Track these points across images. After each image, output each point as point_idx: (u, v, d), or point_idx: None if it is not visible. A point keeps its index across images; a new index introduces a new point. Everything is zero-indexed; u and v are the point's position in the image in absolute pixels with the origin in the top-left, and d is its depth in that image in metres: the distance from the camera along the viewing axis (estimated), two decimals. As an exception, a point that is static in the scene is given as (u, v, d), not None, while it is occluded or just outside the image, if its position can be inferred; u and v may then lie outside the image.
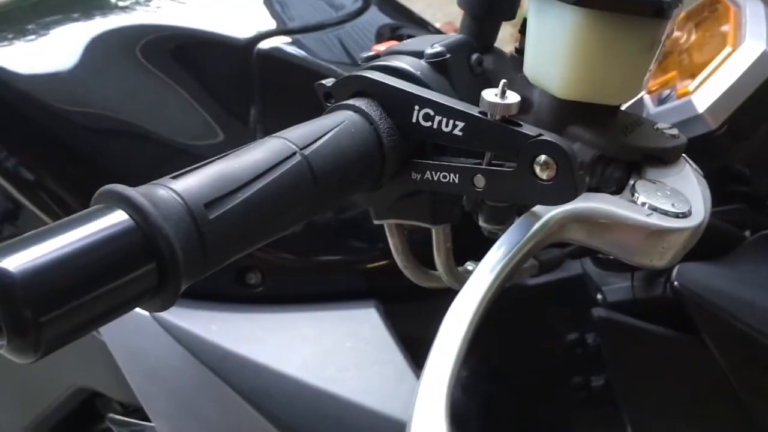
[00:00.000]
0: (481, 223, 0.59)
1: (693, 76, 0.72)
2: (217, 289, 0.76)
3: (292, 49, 0.83)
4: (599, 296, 0.70)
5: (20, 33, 0.80)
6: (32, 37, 0.80)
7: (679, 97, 0.69)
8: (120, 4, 0.85)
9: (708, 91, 0.66)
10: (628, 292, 0.68)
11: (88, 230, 0.32)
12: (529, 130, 0.41)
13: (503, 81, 0.41)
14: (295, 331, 0.73)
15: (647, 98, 0.76)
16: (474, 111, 0.42)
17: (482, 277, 0.40)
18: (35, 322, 0.28)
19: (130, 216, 0.33)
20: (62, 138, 0.78)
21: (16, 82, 0.76)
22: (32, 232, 0.31)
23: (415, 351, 0.76)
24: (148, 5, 0.86)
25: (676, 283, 0.63)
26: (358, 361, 0.70)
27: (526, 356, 0.88)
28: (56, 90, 0.78)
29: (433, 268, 0.58)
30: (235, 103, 0.79)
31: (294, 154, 0.40)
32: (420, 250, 0.60)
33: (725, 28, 0.76)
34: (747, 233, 0.73)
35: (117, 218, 0.33)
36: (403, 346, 0.73)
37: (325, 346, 0.72)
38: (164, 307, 0.35)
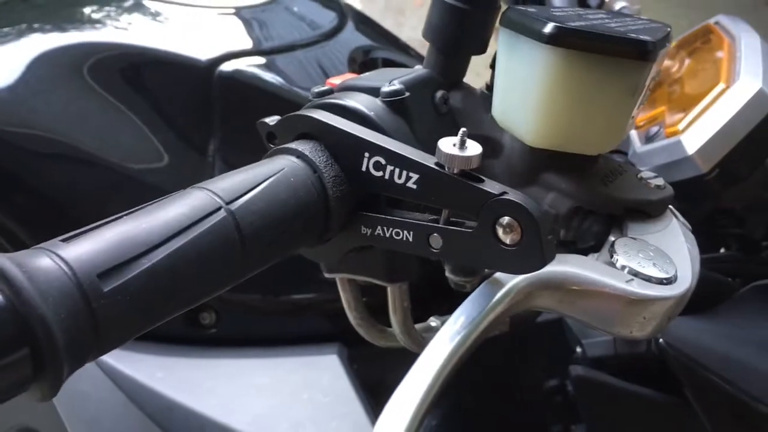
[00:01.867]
0: (447, 274, 0.54)
1: (684, 110, 0.67)
2: (165, 330, 0.70)
3: (258, 72, 0.78)
4: (578, 350, 0.65)
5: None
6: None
7: (668, 135, 0.64)
8: (73, 18, 0.80)
9: (699, 131, 0.61)
10: (609, 347, 0.63)
11: None
12: (491, 187, 0.35)
13: (462, 130, 0.36)
14: (247, 379, 0.67)
15: (634, 134, 0.71)
16: (430, 162, 0.37)
17: (437, 351, 0.35)
18: None
19: (2, 291, 0.27)
20: (3, 163, 0.72)
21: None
22: None
23: (380, 399, 0.70)
24: (105, 22, 0.80)
25: (661, 339, 0.58)
26: (315, 415, 0.65)
27: (503, 402, 0.83)
28: (-1, 110, 0.72)
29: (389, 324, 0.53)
30: (193, 130, 0.73)
31: (218, 209, 0.34)
32: (376, 301, 0.54)
33: (718, 59, 0.71)
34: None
35: None
36: (365, 396, 0.68)
37: (279, 398, 0.66)
38: (44, 398, 0.29)
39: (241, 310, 0.73)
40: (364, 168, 0.39)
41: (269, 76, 0.79)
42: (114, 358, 0.67)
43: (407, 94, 0.43)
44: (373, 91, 0.43)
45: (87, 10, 0.80)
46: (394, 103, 0.43)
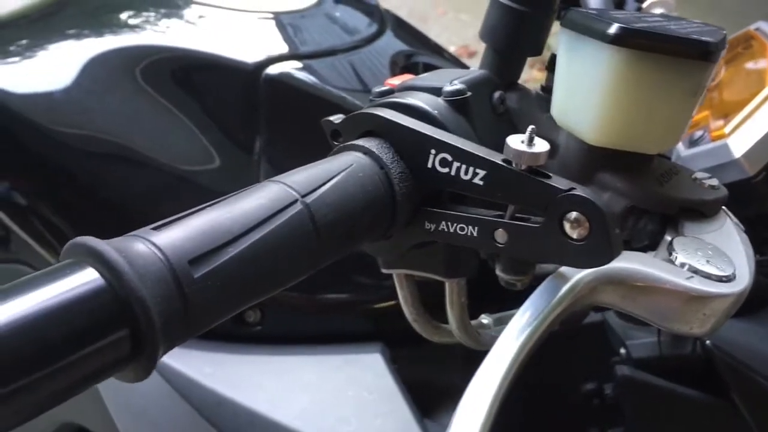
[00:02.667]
0: (498, 272, 0.55)
1: (726, 115, 0.67)
2: (213, 328, 0.71)
3: (302, 75, 0.79)
4: (623, 350, 0.65)
5: (16, 51, 0.77)
6: (29, 55, 0.77)
7: (714, 139, 0.64)
8: (123, 23, 0.82)
9: (745, 134, 0.62)
10: (654, 348, 0.63)
11: (53, 290, 0.27)
12: (559, 182, 0.36)
13: (531, 127, 0.37)
14: (294, 375, 0.68)
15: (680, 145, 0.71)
16: (497, 158, 0.38)
17: (507, 346, 0.36)
18: None
19: (102, 274, 0.28)
20: (57, 162, 0.74)
21: (9, 103, 0.73)
22: None
23: (422, 400, 0.71)
24: (153, 25, 0.82)
25: (708, 341, 0.58)
26: (360, 411, 0.66)
27: (541, 405, 0.83)
28: (52, 112, 0.74)
29: (445, 320, 0.54)
30: (240, 131, 0.75)
31: (294, 202, 0.35)
32: (430, 299, 0.55)
33: (762, 65, 0.71)
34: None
35: (86, 277, 0.28)
36: (409, 395, 0.68)
37: (325, 394, 0.67)
38: (138, 378, 0.30)
39: (285, 309, 0.74)
40: (429, 165, 0.40)
41: (313, 79, 0.80)
42: (163, 353, 0.69)
43: (469, 93, 0.44)
44: (435, 91, 0.44)
45: (137, 13, 0.82)
46: (457, 102, 0.44)
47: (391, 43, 0.93)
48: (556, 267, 0.43)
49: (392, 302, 0.77)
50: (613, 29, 0.39)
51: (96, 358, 0.28)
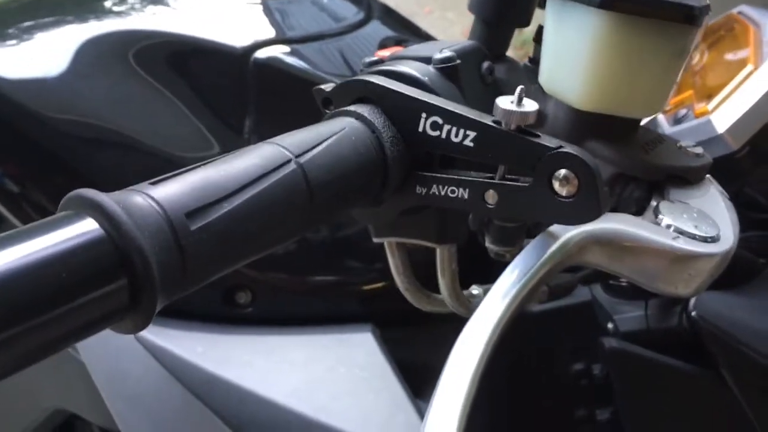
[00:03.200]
0: (487, 244, 0.55)
1: (710, 97, 0.68)
2: (203, 309, 0.72)
3: (290, 59, 0.80)
4: (610, 325, 0.66)
5: (7, 35, 0.77)
6: (18, 40, 0.77)
7: (697, 116, 0.65)
8: (113, 8, 0.82)
9: (728, 110, 0.63)
10: (641, 321, 0.64)
11: (51, 239, 0.28)
12: (548, 141, 0.37)
13: (520, 87, 0.37)
14: (285, 355, 0.68)
15: (661, 118, 0.72)
16: (487, 120, 0.39)
17: (495, 302, 0.36)
18: None
19: (101, 224, 0.29)
20: (48, 147, 0.74)
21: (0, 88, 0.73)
22: None
23: (413, 379, 0.71)
24: (143, 10, 0.82)
25: (694, 313, 0.59)
26: (352, 388, 0.66)
27: (528, 386, 0.84)
28: (42, 96, 0.74)
29: (436, 291, 0.54)
30: (230, 113, 0.75)
31: (288, 161, 0.36)
32: (421, 271, 0.56)
33: (744, 46, 0.72)
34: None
35: (85, 227, 0.29)
36: (400, 374, 0.69)
37: (316, 372, 0.67)
38: (136, 329, 0.31)
39: (276, 290, 0.75)
40: (420, 128, 0.41)
41: (300, 63, 0.80)
42: (154, 334, 0.69)
43: (458, 61, 0.45)
44: (425, 60, 0.45)
45: (126, -1, 0.82)
46: (447, 69, 0.44)
47: (378, 30, 0.94)
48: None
49: (382, 283, 0.78)
50: (599, -7, 0.39)
51: (94, 307, 0.28)
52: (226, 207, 0.32)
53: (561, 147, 0.37)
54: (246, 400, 0.65)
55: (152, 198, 0.31)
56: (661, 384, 0.63)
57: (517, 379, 0.83)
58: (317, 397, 0.65)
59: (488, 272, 0.59)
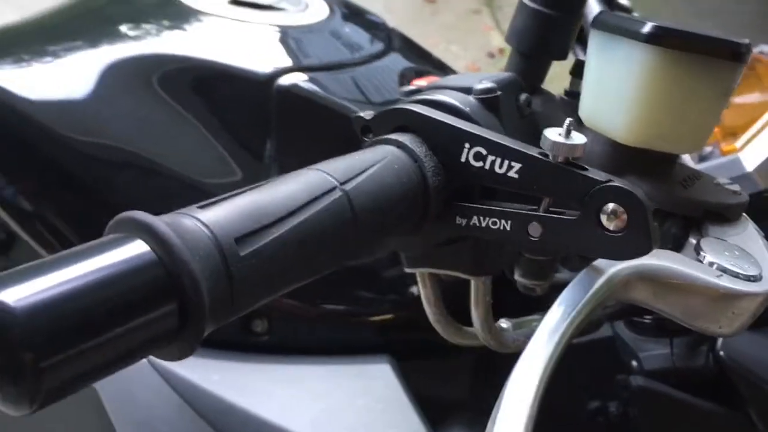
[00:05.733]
0: (516, 277, 0.55)
1: (735, 135, 0.68)
2: (219, 336, 0.70)
3: (313, 87, 0.80)
4: (634, 363, 0.65)
5: (31, 56, 0.77)
6: (44, 60, 0.76)
7: (724, 154, 0.65)
8: (136, 32, 0.82)
9: (757, 149, 0.63)
10: (667, 359, 0.63)
11: (102, 261, 0.27)
12: (596, 174, 0.37)
13: (569, 119, 0.37)
14: (303, 384, 0.67)
15: (686, 156, 0.72)
16: (533, 152, 0.38)
17: (545, 338, 0.35)
18: (35, 368, 0.24)
19: (152, 248, 0.28)
20: (67, 168, 0.73)
21: (21, 107, 0.72)
22: (37, 261, 0.26)
23: (430, 412, 0.70)
24: (166, 35, 0.82)
25: (722, 353, 0.59)
26: (370, 421, 0.65)
27: (543, 423, 0.82)
28: (64, 117, 0.74)
29: (462, 322, 0.53)
30: (252, 139, 0.75)
31: (334, 188, 0.35)
32: (448, 304, 0.55)
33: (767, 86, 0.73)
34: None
35: (136, 249, 0.28)
36: (418, 406, 0.68)
37: (335, 404, 0.66)
38: (182, 356, 0.30)
39: (292, 319, 0.74)
40: (463, 159, 0.40)
41: (323, 91, 0.80)
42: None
43: (499, 92, 0.44)
44: (465, 90, 0.45)
45: (150, 23, 0.82)
46: (487, 100, 0.44)
47: (398, 61, 0.94)
48: (572, 275, 0.43)
49: (400, 314, 0.77)
50: (647, 28, 0.39)
51: (143, 332, 0.28)
52: (274, 233, 0.32)
53: (610, 181, 0.36)
54: (262, 431, 0.63)
55: (202, 222, 0.30)
56: (687, 424, 0.62)
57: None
58: (335, 428, 0.64)
59: (516, 307, 0.59)
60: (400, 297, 0.78)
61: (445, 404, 0.73)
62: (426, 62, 1.01)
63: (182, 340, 0.29)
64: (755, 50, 0.83)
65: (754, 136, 0.64)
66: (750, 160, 0.62)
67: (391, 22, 1.05)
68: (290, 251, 0.32)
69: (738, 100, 0.76)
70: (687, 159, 0.71)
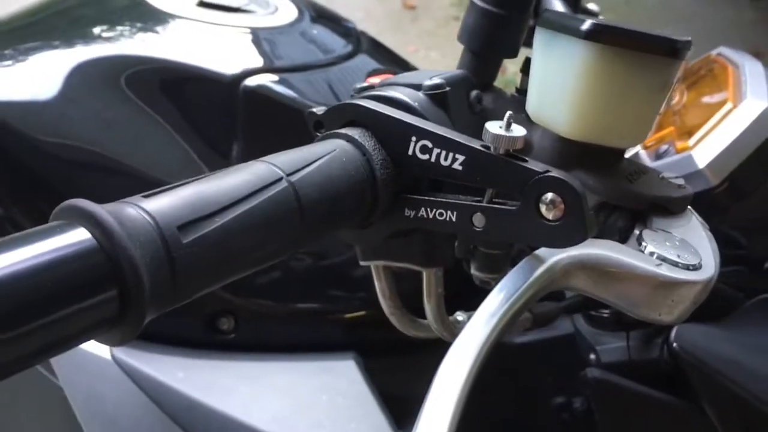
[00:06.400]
0: (472, 271, 0.56)
1: (690, 134, 0.70)
2: (185, 335, 0.71)
3: (279, 88, 0.80)
4: (592, 356, 0.67)
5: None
6: (10, 60, 0.77)
7: (679, 152, 0.67)
8: (105, 34, 0.82)
9: (709, 146, 0.64)
10: (623, 352, 0.64)
11: (42, 247, 0.28)
12: (535, 165, 0.38)
13: (509, 113, 0.38)
14: (266, 381, 0.68)
15: (643, 153, 0.74)
16: (476, 144, 0.39)
17: (479, 326, 0.36)
18: None
19: (93, 234, 0.29)
20: (35, 169, 0.74)
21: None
22: None
23: (395, 408, 0.71)
24: (134, 36, 0.83)
25: (675, 344, 0.60)
26: (334, 416, 0.66)
27: (508, 420, 0.83)
28: (31, 118, 0.74)
29: (421, 316, 0.54)
30: (218, 139, 0.75)
31: (280, 179, 0.36)
32: (406, 298, 0.56)
33: (723, 85, 0.74)
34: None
35: (77, 236, 0.29)
36: (382, 402, 0.68)
37: (298, 399, 0.67)
38: (123, 341, 0.31)
39: (259, 317, 0.74)
40: (410, 152, 0.41)
41: (289, 92, 0.81)
42: (134, 358, 0.68)
43: (448, 88, 0.46)
44: (415, 86, 0.46)
45: (118, 25, 0.82)
46: (437, 96, 0.45)
47: (366, 62, 0.95)
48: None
49: (365, 312, 0.78)
50: (586, 26, 0.41)
51: (83, 317, 0.28)
52: (218, 221, 0.33)
53: (548, 171, 0.37)
54: (227, 427, 0.64)
55: (145, 210, 0.31)
56: (643, 415, 0.63)
57: (497, 412, 0.82)
58: (299, 424, 0.65)
59: (472, 300, 0.60)
60: (366, 294, 0.79)
61: (408, 401, 0.73)
62: (395, 64, 1.02)
63: (123, 326, 0.30)
64: (714, 52, 0.85)
65: (706, 134, 0.65)
66: (702, 158, 0.64)
67: (372, 28, 1.06)
68: (234, 240, 0.33)
69: (695, 100, 0.78)
70: (643, 156, 0.72)
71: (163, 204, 0.32)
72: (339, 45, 0.96)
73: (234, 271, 0.34)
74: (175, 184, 0.33)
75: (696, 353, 0.60)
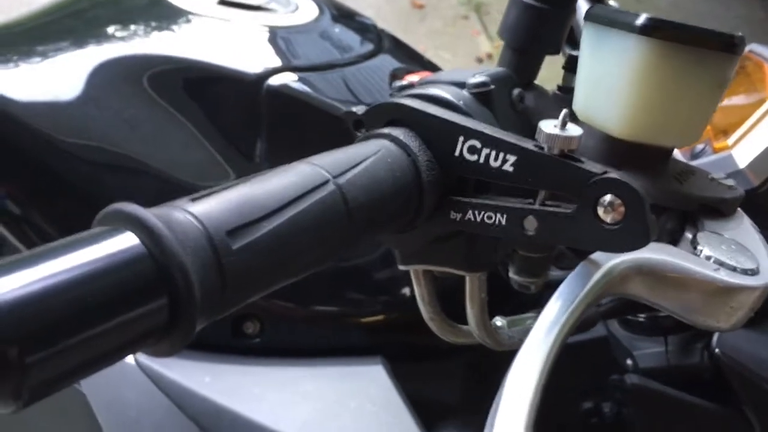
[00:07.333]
0: (511, 275, 0.54)
1: (726, 133, 0.68)
2: (210, 339, 0.70)
3: (303, 87, 0.79)
4: (629, 361, 0.65)
5: (19, 57, 0.76)
6: (31, 61, 0.76)
7: (716, 151, 0.65)
8: (126, 33, 0.81)
9: (749, 145, 0.63)
10: (662, 358, 0.63)
11: (90, 254, 0.26)
12: (592, 167, 0.36)
13: (565, 111, 0.37)
14: (295, 387, 0.66)
15: (677, 153, 0.72)
16: (528, 144, 0.38)
17: (543, 333, 0.35)
18: (20, 364, 0.23)
19: (141, 240, 0.27)
20: (55, 170, 0.72)
21: (8, 108, 0.71)
22: (22, 253, 0.26)
23: (423, 413, 0.69)
24: (155, 35, 0.82)
25: (717, 350, 0.58)
26: (364, 423, 0.64)
27: (537, 424, 0.82)
28: (52, 119, 0.73)
29: (459, 323, 0.53)
30: (242, 139, 0.74)
31: (327, 182, 0.35)
32: (447, 305, 0.54)
33: (758, 83, 0.72)
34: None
35: (125, 242, 0.27)
36: (411, 408, 0.67)
37: (327, 406, 0.65)
38: (172, 352, 0.29)
39: (284, 321, 0.73)
40: (457, 153, 0.40)
41: (313, 91, 0.80)
42: (158, 362, 0.67)
43: (492, 86, 0.44)
44: (458, 84, 0.44)
45: (139, 24, 0.81)
46: (481, 94, 0.44)
47: (388, 61, 0.94)
48: (566, 273, 0.42)
49: (392, 315, 0.76)
50: (641, 20, 0.39)
51: (132, 327, 0.27)
52: (267, 226, 0.31)
53: (606, 173, 0.36)
54: (254, 433, 0.62)
55: (192, 214, 0.29)
56: (683, 422, 0.61)
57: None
58: (327, 431, 0.63)
59: (505, 304, 0.58)
60: (392, 298, 0.77)
61: (438, 406, 0.72)
62: (416, 63, 1.00)
63: (173, 335, 0.28)
64: (746, 48, 0.83)
65: (745, 133, 0.64)
66: (742, 157, 0.62)
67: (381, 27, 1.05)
68: (284, 245, 0.32)
69: (729, 98, 0.76)
70: (678, 155, 0.71)
71: (211, 208, 0.30)
72: (361, 43, 0.95)
73: (282, 278, 0.33)
74: (221, 186, 0.32)
75: (739, 359, 0.58)
